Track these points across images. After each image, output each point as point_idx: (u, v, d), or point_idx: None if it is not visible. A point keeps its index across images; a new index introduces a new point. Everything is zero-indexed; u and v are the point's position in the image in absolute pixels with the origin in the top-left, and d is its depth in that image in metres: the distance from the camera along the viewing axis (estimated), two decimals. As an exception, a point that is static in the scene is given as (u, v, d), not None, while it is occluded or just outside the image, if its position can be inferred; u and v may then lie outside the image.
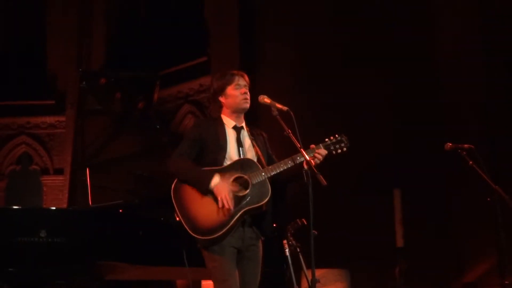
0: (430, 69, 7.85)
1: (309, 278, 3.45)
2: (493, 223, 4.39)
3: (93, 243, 4.64)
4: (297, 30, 8.85)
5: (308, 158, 3.44)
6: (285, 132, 3.52)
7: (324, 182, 3.28)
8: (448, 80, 7.77)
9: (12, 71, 12.50)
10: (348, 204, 7.65)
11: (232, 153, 3.62)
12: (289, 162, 3.57)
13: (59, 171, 12.34)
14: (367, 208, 7.48)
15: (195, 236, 3.46)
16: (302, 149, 3.49)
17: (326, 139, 3.70)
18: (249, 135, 3.74)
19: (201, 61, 11.01)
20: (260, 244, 3.66)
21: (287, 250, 4.68)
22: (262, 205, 3.50)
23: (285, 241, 4.71)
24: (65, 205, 10.34)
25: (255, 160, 3.62)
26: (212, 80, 3.94)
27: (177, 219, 3.55)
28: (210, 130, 3.67)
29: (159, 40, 11.54)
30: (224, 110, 3.74)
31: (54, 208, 6.57)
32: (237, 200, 3.47)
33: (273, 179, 3.58)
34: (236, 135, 3.69)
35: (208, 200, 3.47)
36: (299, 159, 3.55)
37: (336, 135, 3.72)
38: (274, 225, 4.43)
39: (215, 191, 3.44)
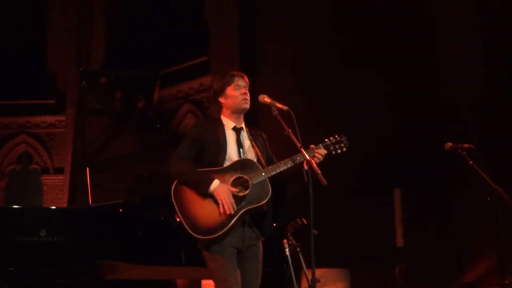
0: (430, 69, 7.84)
1: (309, 277, 3.46)
2: (493, 223, 4.39)
3: (93, 243, 4.65)
4: (297, 30, 8.84)
5: (308, 158, 3.45)
6: (285, 132, 3.52)
7: (324, 181, 3.29)
8: (448, 80, 7.76)
9: (12, 71, 12.46)
10: (348, 204, 7.65)
11: (232, 154, 3.63)
12: (289, 162, 3.57)
13: (59, 171, 12.30)
14: (367, 208, 7.47)
15: (196, 236, 3.46)
16: (302, 149, 3.49)
17: (326, 139, 3.70)
18: (248, 136, 3.74)
19: (201, 61, 10.99)
20: (260, 244, 3.66)
21: (287, 249, 4.68)
22: (263, 205, 3.50)
23: (285, 241, 4.71)
24: (65, 205, 10.31)
25: (255, 160, 3.63)
26: (213, 80, 3.95)
27: (178, 220, 3.56)
28: (210, 130, 3.68)
29: (159, 40, 11.51)
30: (224, 110, 3.75)
31: (54, 207, 6.60)
32: (238, 200, 3.47)
33: (273, 179, 3.58)
34: (236, 136, 3.69)
35: (208, 200, 3.48)
36: (299, 159, 3.55)
37: (336, 136, 3.73)
38: (274, 224, 4.43)
39: (215, 194, 3.44)
